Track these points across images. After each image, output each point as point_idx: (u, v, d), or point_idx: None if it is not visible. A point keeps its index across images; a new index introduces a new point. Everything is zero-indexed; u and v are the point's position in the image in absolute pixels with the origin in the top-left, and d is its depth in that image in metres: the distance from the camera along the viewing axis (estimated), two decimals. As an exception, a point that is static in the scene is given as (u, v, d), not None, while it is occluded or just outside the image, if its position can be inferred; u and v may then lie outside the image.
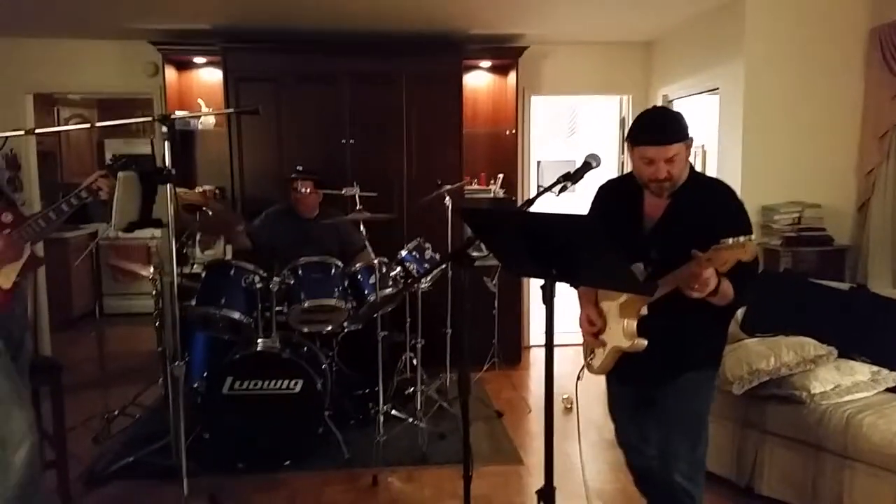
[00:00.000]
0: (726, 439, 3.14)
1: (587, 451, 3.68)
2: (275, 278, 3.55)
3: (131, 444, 3.66)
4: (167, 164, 2.53)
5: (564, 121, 8.06)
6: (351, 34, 5.00)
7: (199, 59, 5.19)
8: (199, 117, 5.10)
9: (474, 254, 4.40)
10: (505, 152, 5.45)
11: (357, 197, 3.71)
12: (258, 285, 3.50)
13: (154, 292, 3.92)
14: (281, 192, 4.36)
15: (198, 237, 4.04)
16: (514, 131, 5.33)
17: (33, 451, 2.33)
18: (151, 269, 3.80)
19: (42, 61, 5.19)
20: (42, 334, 5.42)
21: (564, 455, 3.54)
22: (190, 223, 3.74)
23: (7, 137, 2.60)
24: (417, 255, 3.92)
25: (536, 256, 1.85)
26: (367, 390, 4.09)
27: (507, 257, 2.23)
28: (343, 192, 3.81)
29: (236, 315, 3.49)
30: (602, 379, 2.43)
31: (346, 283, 3.68)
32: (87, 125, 6.70)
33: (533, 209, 2.03)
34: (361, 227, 3.59)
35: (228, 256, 4.09)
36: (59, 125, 6.98)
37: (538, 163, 7.14)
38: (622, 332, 2.13)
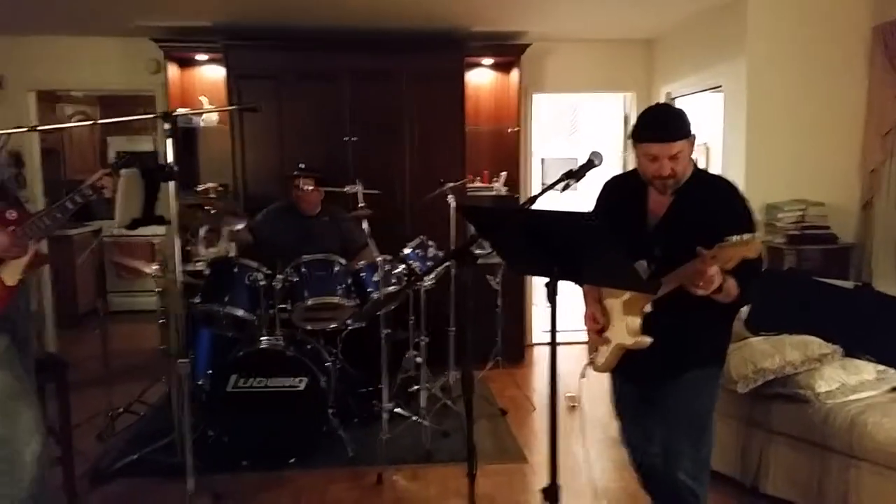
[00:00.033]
0: (731, 438, 3.13)
1: (592, 450, 3.68)
2: (278, 276, 3.55)
3: (136, 442, 3.67)
4: (170, 161, 2.53)
5: (567, 118, 8.06)
6: (353, 31, 4.99)
7: (201, 57, 5.19)
8: (201, 115, 5.11)
9: (477, 252, 4.38)
10: (507, 150, 5.44)
11: (360, 194, 3.71)
12: (262, 283, 3.51)
13: (158, 290, 3.92)
14: (283, 190, 4.36)
15: (201, 234, 4.04)
16: (516, 129, 5.33)
17: (42, 448, 2.34)
18: (155, 267, 3.80)
19: (45, 58, 5.20)
20: (47, 331, 5.45)
21: (569, 453, 3.55)
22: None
23: (10, 134, 2.60)
24: (420, 253, 3.91)
25: (539, 254, 1.85)
26: (370, 388, 4.10)
27: (510, 255, 2.23)
28: (346, 189, 3.81)
29: (240, 312, 3.49)
30: (606, 377, 2.43)
31: (349, 281, 3.68)
32: (90, 122, 6.71)
33: (536, 207, 2.02)
34: (364, 225, 3.59)
35: (232, 254, 4.09)
36: (61, 122, 6.99)
37: (542, 160, 7.15)
38: (626, 330, 2.13)
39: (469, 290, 3.69)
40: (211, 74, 5.28)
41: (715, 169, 4.81)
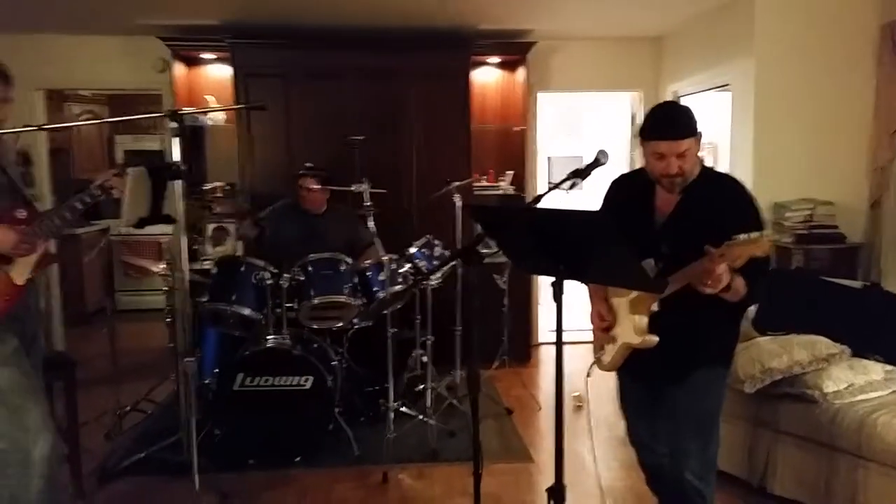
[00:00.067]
0: (738, 438, 3.12)
1: (598, 449, 3.67)
2: (285, 275, 3.56)
3: (143, 440, 3.68)
4: (177, 159, 2.53)
5: (574, 117, 8.04)
6: (359, 29, 4.99)
7: (207, 55, 5.20)
8: (207, 113, 5.12)
9: (483, 251, 4.38)
10: (514, 148, 5.43)
11: (366, 193, 3.71)
12: (268, 282, 3.51)
13: (165, 288, 3.93)
14: (290, 189, 4.36)
15: (208, 233, 4.05)
16: (522, 127, 5.31)
17: (51, 447, 2.35)
18: (163, 265, 3.81)
19: (52, 57, 5.22)
20: (55, 330, 5.47)
21: (575, 453, 3.53)
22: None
23: (19, 133, 2.61)
24: (427, 252, 3.92)
25: (546, 253, 1.84)
26: (376, 387, 4.10)
27: (516, 254, 2.22)
28: (353, 188, 3.81)
29: (247, 311, 3.50)
30: (612, 376, 2.42)
31: (355, 280, 3.69)
32: (96, 121, 6.73)
33: (542, 205, 2.02)
34: (370, 224, 3.59)
35: (239, 253, 4.10)
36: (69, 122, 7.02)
37: (549, 159, 7.14)
38: (633, 328, 2.12)
39: (475, 289, 3.67)
40: (218, 73, 5.29)
41: (722, 168, 4.78)
